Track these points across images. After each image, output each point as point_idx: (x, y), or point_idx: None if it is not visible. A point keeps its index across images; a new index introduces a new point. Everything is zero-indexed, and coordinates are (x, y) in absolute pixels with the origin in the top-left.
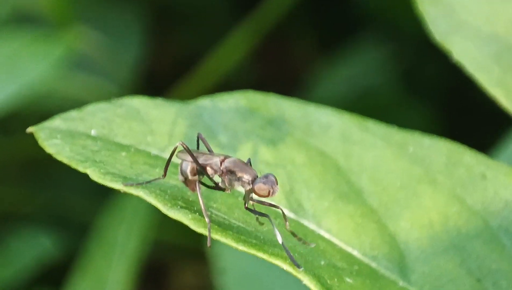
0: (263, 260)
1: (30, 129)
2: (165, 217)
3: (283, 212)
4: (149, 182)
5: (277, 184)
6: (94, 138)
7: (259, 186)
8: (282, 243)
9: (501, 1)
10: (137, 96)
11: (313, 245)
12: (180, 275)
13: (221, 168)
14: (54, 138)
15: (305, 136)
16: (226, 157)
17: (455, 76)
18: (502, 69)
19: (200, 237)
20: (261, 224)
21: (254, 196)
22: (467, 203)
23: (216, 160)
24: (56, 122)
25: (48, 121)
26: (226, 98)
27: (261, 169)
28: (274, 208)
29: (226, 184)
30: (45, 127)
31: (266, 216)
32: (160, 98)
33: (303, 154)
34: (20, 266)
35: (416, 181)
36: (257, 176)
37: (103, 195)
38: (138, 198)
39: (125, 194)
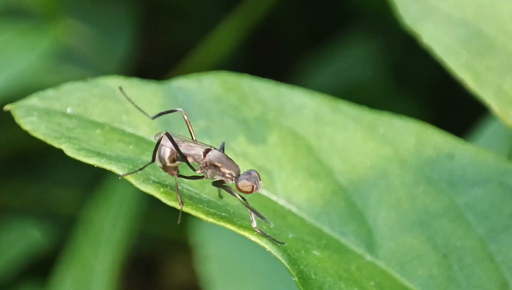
0: (245, 247)
1: (7, 107)
2: (152, 207)
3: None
4: (142, 169)
5: (260, 179)
6: (69, 116)
7: (243, 182)
8: (256, 227)
9: None
10: (112, 76)
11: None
12: (169, 266)
13: (204, 160)
14: (30, 115)
15: (278, 117)
16: (209, 148)
17: (443, 70)
18: (470, 53)
19: (187, 228)
20: (221, 197)
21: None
22: (434, 182)
23: (199, 151)
24: (33, 100)
25: (25, 100)
26: (201, 79)
27: (234, 147)
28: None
29: (208, 176)
30: (22, 105)
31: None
32: (135, 78)
33: (275, 134)
34: (10, 258)
35: (385, 161)
36: (240, 172)
37: (92, 188)
38: (124, 188)
39: (112, 185)
